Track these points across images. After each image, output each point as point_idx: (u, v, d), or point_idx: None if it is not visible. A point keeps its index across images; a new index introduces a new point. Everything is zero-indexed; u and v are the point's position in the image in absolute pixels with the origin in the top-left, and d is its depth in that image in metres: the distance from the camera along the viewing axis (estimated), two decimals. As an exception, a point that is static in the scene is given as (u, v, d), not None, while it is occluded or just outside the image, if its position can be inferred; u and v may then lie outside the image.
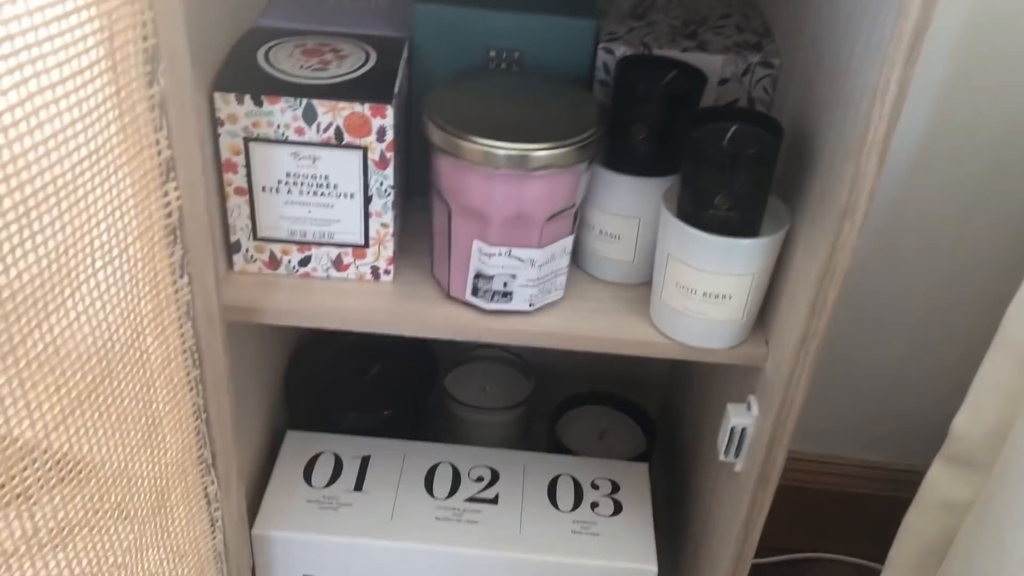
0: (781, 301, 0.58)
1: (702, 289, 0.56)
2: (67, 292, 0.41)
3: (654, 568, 0.69)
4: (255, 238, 0.60)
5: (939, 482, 0.56)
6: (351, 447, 0.77)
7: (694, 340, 0.59)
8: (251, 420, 0.72)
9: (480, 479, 0.75)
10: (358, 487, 0.73)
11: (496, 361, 0.92)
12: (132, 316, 0.47)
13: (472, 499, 0.73)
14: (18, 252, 0.37)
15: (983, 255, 0.87)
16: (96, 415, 0.45)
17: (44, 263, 0.39)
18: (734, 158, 0.53)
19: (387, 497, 0.73)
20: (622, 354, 0.60)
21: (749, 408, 0.62)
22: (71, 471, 0.44)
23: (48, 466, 0.42)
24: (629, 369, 0.95)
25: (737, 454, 0.63)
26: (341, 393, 0.83)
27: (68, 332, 0.42)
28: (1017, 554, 0.47)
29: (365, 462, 0.75)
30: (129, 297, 0.46)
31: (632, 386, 0.91)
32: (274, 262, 0.62)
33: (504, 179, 0.54)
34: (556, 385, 0.91)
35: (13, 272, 0.37)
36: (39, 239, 0.38)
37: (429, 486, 0.74)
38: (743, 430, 0.62)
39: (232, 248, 0.61)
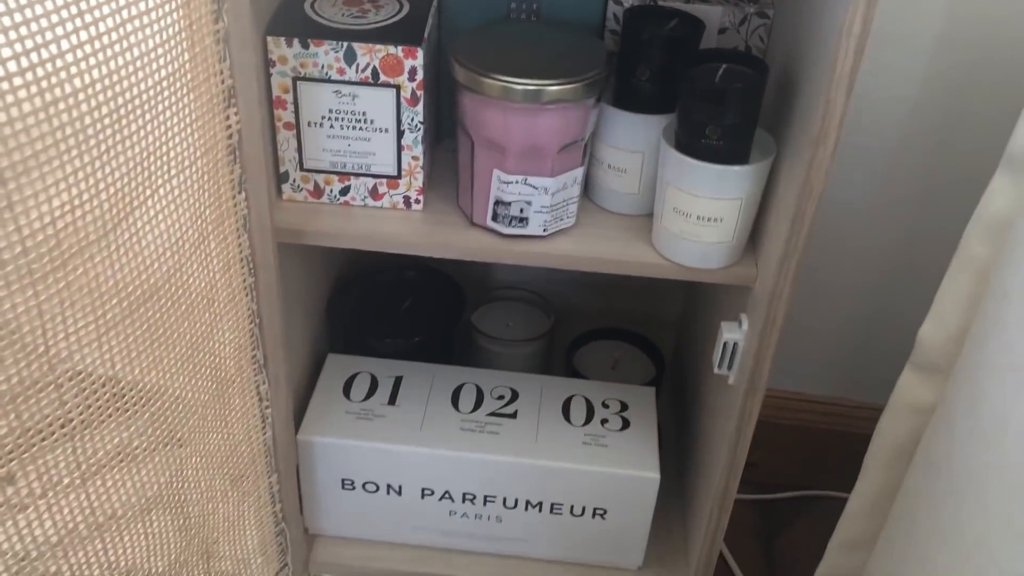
0: (768, 225, 0.64)
1: (696, 213, 0.63)
2: (148, 192, 0.49)
3: (656, 475, 0.77)
4: (301, 169, 0.68)
5: (907, 387, 0.63)
6: (385, 368, 0.85)
7: (690, 261, 0.66)
8: (297, 342, 0.81)
9: (501, 397, 0.83)
10: (391, 402, 0.81)
11: (519, 301, 0.99)
12: (199, 221, 0.55)
13: (493, 414, 0.81)
14: (111, 153, 0.45)
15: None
16: (169, 303, 0.53)
17: (132, 164, 0.47)
18: (723, 92, 0.59)
19: (417, 411, 0.81)
20: (627, 275, 0.67)
21: (740, 325, 0.69)
22: (146, 351, 0.52)
23: (130, 343, 0.50)
24: (643, 308, 1.02)
25: (730, 367, 0.69)
26: (377, 322, 0.91)
27: (148, 227, 0.50)
28: (965, 436, 0.53)
29: (398, 381, 0.83)
30: (197, 204, 0.54)
31: (645, 325, 0.98)
32: (318, 191, 0.70)
33: (520, 112, 0.62)
34: (573, 323, 0.98)
35: (108, 169, 0.45)
36: (127, 144, 0.46)
37: (455, 402, 0.82)
38: (735, 344, 0.68)
39: (281, 178, 0.69)
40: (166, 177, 0.51)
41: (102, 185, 0.45)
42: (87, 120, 0.43)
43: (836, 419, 1.12)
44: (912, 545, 0.59)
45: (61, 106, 0.40)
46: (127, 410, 0.52)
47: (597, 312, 1.02)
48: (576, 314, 1.01)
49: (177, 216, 0.52)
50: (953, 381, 0.57)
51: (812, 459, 1.13)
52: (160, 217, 0.51)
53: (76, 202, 0.44)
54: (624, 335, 0.96)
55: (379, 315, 0.92)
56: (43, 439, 0.47)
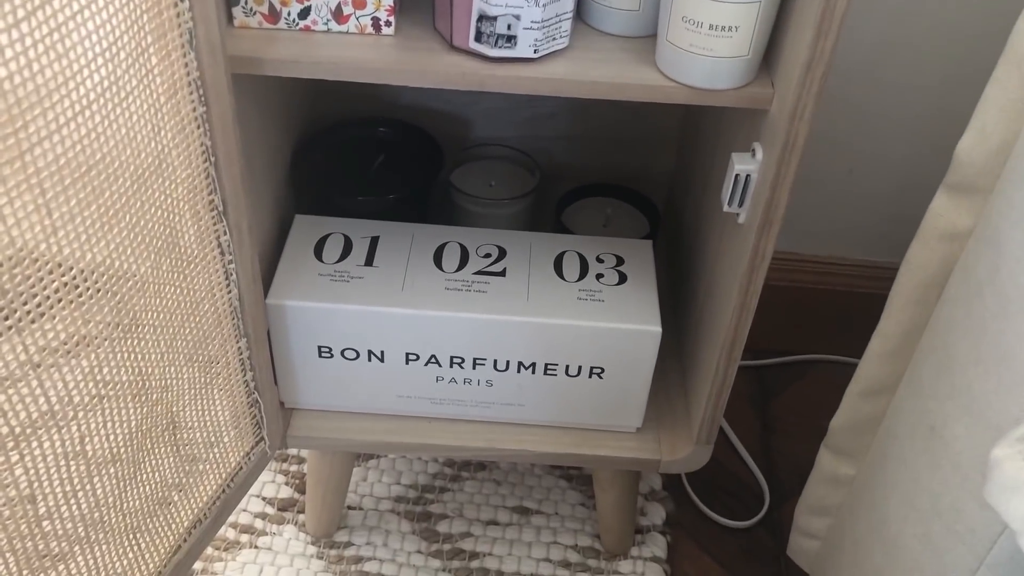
0: (788, 34, 0.57)
1: (708, 21, 0.55)
2: (67, -20, 0.41)
3: (658, 329, 0.71)
4: (254, -13, 0.59)
5: (941, 212, 0.57)
6: (360, 228, 0.78)
7: (700, 81, 0.59)
8: (259, 199, 0.73)
9: (488, 255, 0.76)
10: (368, 263, 0.75)
11: (500, 159, 0.92)
12: (135, 27, 0.46)
13: (480, 272, 0.75)
14: (14, -84, 0.37)
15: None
16: (106, 123, 0.45)
17: (42, -64, 0.38)
18: None
19: (397, 271, 0.74)
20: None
21: (754, 155, 0.62)
22: (80, 180, 0.44)
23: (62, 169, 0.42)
24: (633, 164, 0.96)
25: (741, 203, 0.63)
26: (347, 180, 0.83)
27: (72, 23, 0.41)
28: (1015, 251, 0.48)
29: (374, 242, 0.77)
30: (131, 4, 0.46)
31: (636, 181, 0.91)
32: (273, 15, 0.61)
33: (506, -97, 0.53)
34: (560, 182, 0.91)
35: (11, -63, 0.37)
36: (35, -92, 0.38)
37: (438, 261, 0.75)
38: (747, 177, 0.62)
39: (231, 0, 0.60)
40: (89, -36, 0.42)
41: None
42: None
43: (829, 279, 1.07)
44: (946, 379, 0.55)
45: None
46: (73, 279, 0.45)
47: (584, 169, 0.95)
48: (562, 172, 0.94)
49: (108, 15, 0.44)
50: (998, 195, 0.51)
51: (803, 323, 1.09)
52: (87, 14, 0.42)
53: (-27, -25, 0.35)
54: (615, 191, 0.90)
55: (349, 173, 0.84)
56: None
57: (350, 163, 0.85)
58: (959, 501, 0.53)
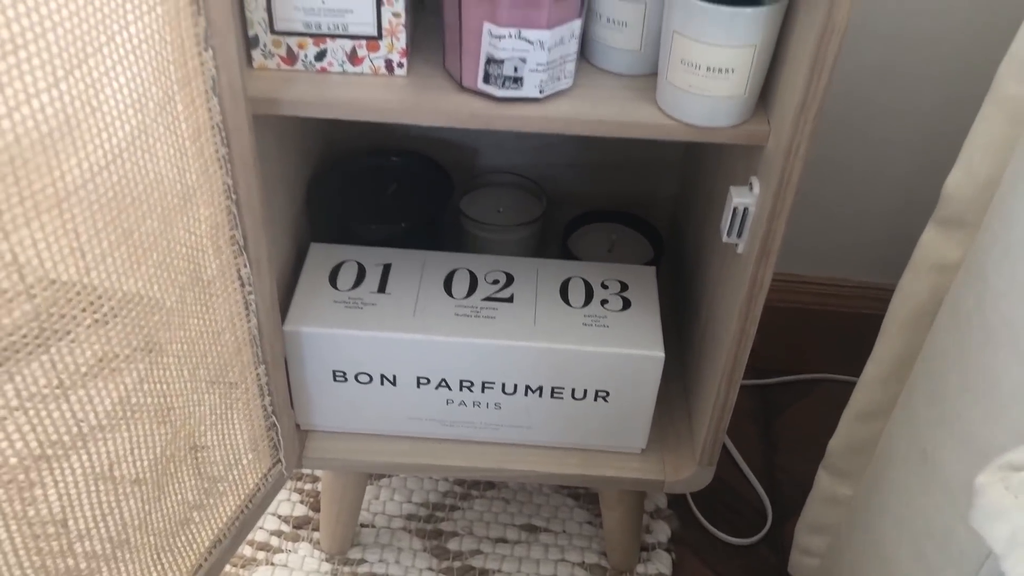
0: (783, 74, 0.59)
1: (706, 63, 0.58)
2: (103, 39, 0.44)
3: (660, 354, 0.74)
4: (272, 31, 0.62)
5: (931, 244, 0.59)
6: (373, 256, 0.80)
7: (699, 119, 0.61)
8: (278, 229, 0.76)
9: (496, 282, 0.79)
10: (381, 289, 0.77)
11: (509, 186, 0.95)
12: (163, 78, 0.49)
13: (489, 298, 0.77)
14: (56, -14, 0.39)
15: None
16: (135, 169, 0.48)
17: (82, 1, 0.41)
18: (737, -77, 0.54)
19: (409, 298, 0.77)
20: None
21: (751, 188, 0.65)
22: (112, 223, 0.47)
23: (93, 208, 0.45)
24: (637, 190, 0.98)
25: (740, 234, 0.66)
26: (361, 208, 0.86)
27: (106, 78, 0.44)
28: (999, 284, 0.50)
29: (387, 269, 0.79)
30: (159, 58, 0.49)
31: (641, 206, 0.94)
32: (291, 57, 0.64)
33: (512, -46, 0.56)
34: (566, 207, 0.94)
35: (53, 5, 0.40)
36: (75, -23, 0.40)
37: (448, 288, 0.78)
38: (745, 209, 0.65)
39: (251, 43, 0.63)
40: (122, 23, 0.45)
41: (48, 23, 0.39)
42: (24, -57, 0.37)
43: (830, 300, 1.09)
44: (937, 405, 0.57)
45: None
46: (103, 310, 0.48)
47: (590, 195, 0.98)
48: (569, 198, 0.97)
49: (138, 69, 0.47)
50: (985, 229, 0.53)
51: (807, 343, 1.12)
52: (119, 68, 0.45)
53: (19, 41, 0.38)
54: (620, 217, 0.92)
55: (363, 202, 0.87)
56: (17, 351, 0.43)
57: (364, 191, 0.88)
58: (950, 524, 0.56)
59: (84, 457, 0.52)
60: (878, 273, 1.07)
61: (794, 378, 1.14)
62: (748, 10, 0.56)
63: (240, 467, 0.72)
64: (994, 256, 0.51)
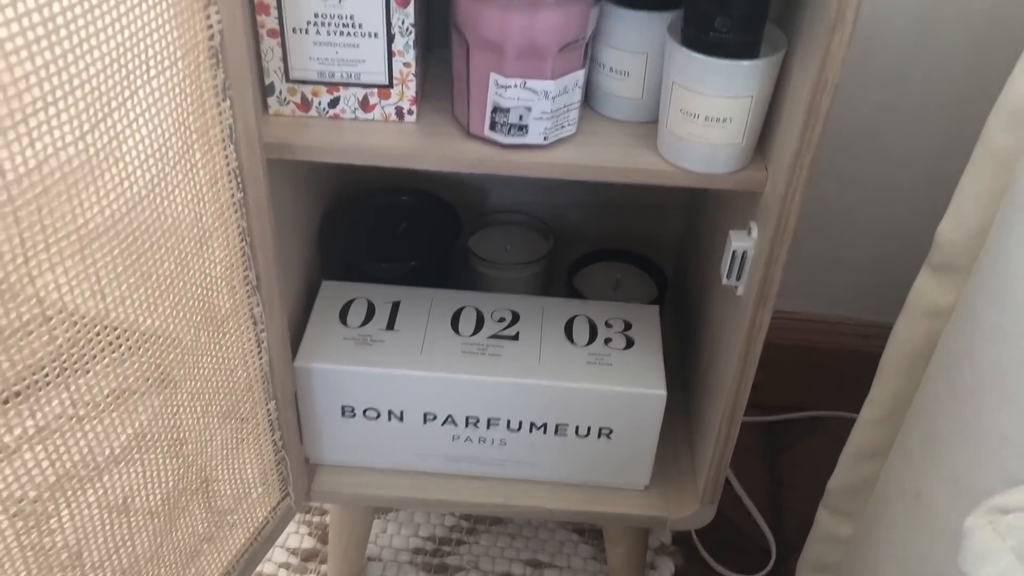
0: (779, 124, 0.61)
1: (704, 113, 0.60)
2: (126, 94, 0.46)
3: (663, 392, 0.75)
4: (288, 80, 0.65)
5: (924, 290, 0.61)
6: (382, 294, 0.82)
7: (698, 166, 0.63)
8: (290, 267, 0.78)
9: (502, 320, 0.81)
10: (390, 327, 0.79)
11: (516, 224, 0.97)
12: (182, 128, 0.52)
13: (495, 336, 0.79)
14: (86, 46, 0.42)
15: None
16: (154, 216, 0.51)
17: (107, 60, 0.44)
18: (733, -19, 0.56)
19: (417, 335, 0.79)
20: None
21: (750, 233, 0.66)
22: (132, 266, 0.49)
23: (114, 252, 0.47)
24: (643, 230, 1.00)
25: (739, 277, 0.67)
26: (371, 247, 0.88)
27: (129, 131, 0.47)
28: (988, 330, 0.52)
29: (396, 306, 0.81)
30: (179, 110, 0.51)
31: (646, 245, 0.96)
32: (305, 104, 0.66)
33: (518, 9, 0.58)
34: (573, 245, 0.96)
35: (81, 64, 0.42)
36: (101, 37, 0.43)
37: (455, 325, 0.80)
38: (744, 253, 0.66)
39: (267, 91, 0.66)
40: (145, 78, 0.47)
41: (76, 82, 0.42)
42: (55, 8, 0.40)
43: (836, 338, 1.11)
44: (930, 447, 0.58)
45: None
46: (121, 349, 0.50)
47: (596, 234, 0.99)
48: (575, 236, 0.99)
49: (159, 121, 0.49)
50: (975, 276, 0.55)
51: (813, 380, 1.13)
52: (141, 121, 0.48)
53: (49, 99, 0.41)
54: (625, 256, 0.94)
55: (373, 240, 0.89)
56: (39, 386, 0.45)
57: (374, 230, 0.90)
58: (944, 565, 0.56)
59: (100, 489, 0.54)
60: (885, 312, 1.08)
61: (801, 415, 1.14)
62: (745, 63, 0.58)
63: (250, 500, 0.74)
64: (983, 302, 0.53)
